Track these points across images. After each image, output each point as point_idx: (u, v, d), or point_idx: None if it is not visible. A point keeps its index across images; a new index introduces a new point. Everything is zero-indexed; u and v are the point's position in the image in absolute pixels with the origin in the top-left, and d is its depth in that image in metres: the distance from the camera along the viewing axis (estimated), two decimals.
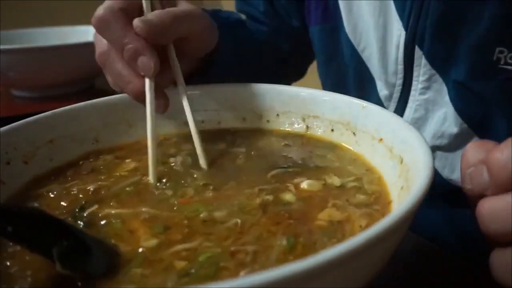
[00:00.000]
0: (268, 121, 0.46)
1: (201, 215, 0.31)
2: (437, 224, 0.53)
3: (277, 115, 0.46)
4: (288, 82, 0.74)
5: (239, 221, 0.30)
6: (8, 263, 0.27)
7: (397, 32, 0.49)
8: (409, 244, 0.40)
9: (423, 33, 0.47)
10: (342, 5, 0.55)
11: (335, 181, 0.35)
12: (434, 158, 0.50)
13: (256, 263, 0.26)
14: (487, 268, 0.26)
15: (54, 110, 0.40)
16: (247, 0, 0.66)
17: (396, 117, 0.36)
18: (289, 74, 0.71)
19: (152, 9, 0.40)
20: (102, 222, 0.31)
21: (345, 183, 0.35)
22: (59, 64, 0.82)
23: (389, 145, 0.35)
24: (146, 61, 0.37)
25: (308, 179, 0.36)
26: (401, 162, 0.33)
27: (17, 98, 0.88)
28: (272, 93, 0.46)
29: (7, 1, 1.59)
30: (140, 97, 0.39)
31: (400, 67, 0.50)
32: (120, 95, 0.45)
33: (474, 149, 0.27)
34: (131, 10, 0.39)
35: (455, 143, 0.49)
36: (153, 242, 0.28)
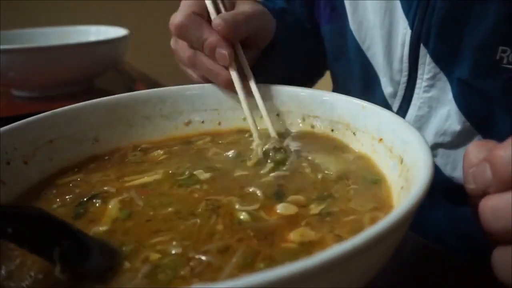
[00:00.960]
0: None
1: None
2: (439, 224, 0.54)
3: (277, 115, 0.46)
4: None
5: (198, 220, 0.30)
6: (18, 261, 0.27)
7: (403, 31, 0.50)
8: (409, 244, 0.40)
9: (428, 32, 0.47)
10: (347, 4, 0.56)
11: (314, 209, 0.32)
12: (435, 156, 0.51)
13: (206, 275, 0.25)
14: (488, 267, 0.26)
15: (54, 110, 0.40)
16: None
17: (396, 117, 0.36)
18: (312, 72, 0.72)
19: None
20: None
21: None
22: (59, 64, 0.82)
23: (389, 145, 0.35)
24: (222, 52, 0.42)
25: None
26: (401, 162, 0.33)
27: (17, 98, 0.88)
28: (272, 93, 0.46)
29: (7, 1, 1.59)
30: (229, 86, 0.45)
31: (405, 65, 0.51)
32: (120, 95, 0.45)
33: (476, 149, 0.27)
34: (202, 13, 0.44)
35: (457, 141, 0.50)
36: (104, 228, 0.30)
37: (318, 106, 0.44)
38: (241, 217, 0.31)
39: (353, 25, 0.56)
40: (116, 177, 0.38)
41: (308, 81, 0.70)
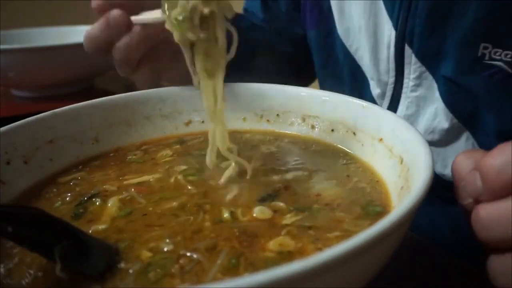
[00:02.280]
0: (268, 121, 0.46)
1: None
2: (434, 220, 0.54)
3: (277, 115, 0.46)
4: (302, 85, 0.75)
5: (191, 218, 0.31)
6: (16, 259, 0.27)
7: (388, 32, 0.50)
8: (409, 244, 0.40)
9: (412, 32, 0.48)
10: (334, 8, 0.57)
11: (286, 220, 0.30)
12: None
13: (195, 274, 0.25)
14: (484, 266, 0.26)
15: (54, 110, 0.40)
16: (247, 11, 0.68)
17: (396, 117, 0.36)
18: (301, 77, 0.72)
19: None
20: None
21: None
22: (59, 64, 0.82)
23: (389, 145, 0.35)
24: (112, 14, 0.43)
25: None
26: (401, 162, 0.33)
27: (17, 98, 0.88)
28: (272, 93, 0.46)
29: (7, 1, 1.59)
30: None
31: (392, 66, 0.51)
32: (120, 95, 0.45)
33: (464, 160, 0.27)
34: None
35: (446, 138, 0.50)
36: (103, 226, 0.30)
37: (318, 106, 0.44)
38: (225, 215, 0.31)
39: (340, 29, 0.56)
40: (116, 176, 0.38)
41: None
